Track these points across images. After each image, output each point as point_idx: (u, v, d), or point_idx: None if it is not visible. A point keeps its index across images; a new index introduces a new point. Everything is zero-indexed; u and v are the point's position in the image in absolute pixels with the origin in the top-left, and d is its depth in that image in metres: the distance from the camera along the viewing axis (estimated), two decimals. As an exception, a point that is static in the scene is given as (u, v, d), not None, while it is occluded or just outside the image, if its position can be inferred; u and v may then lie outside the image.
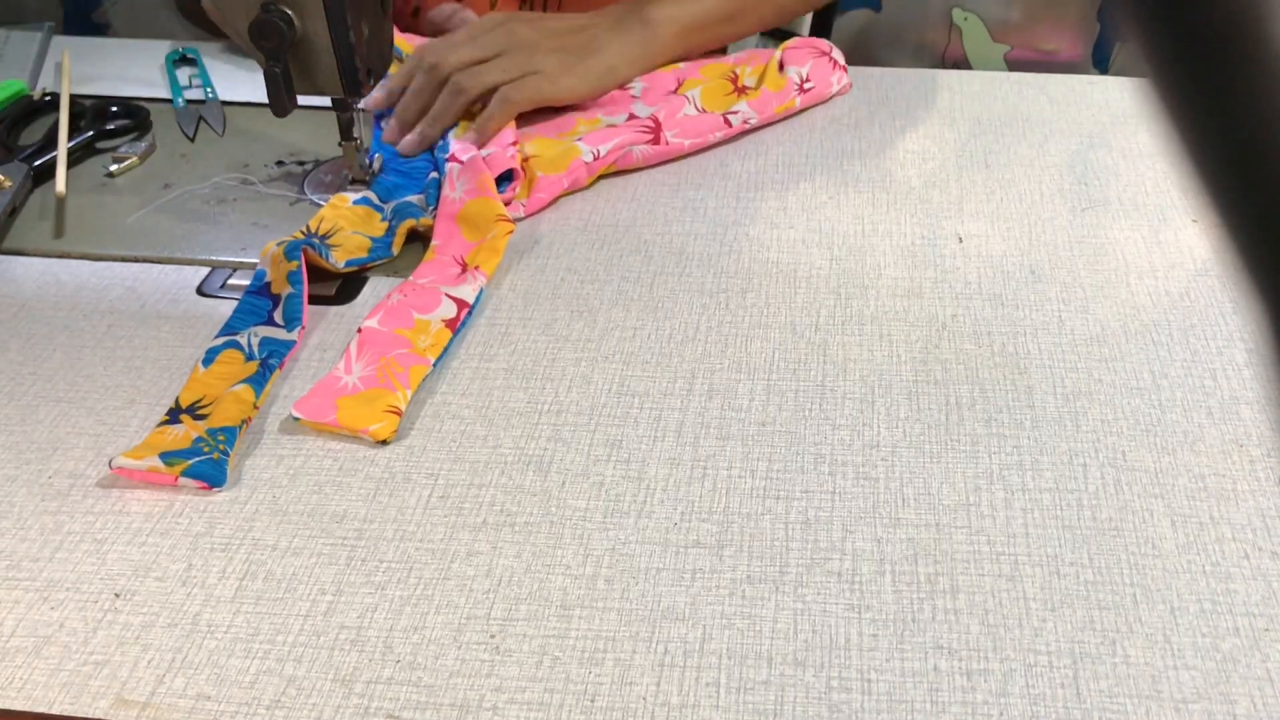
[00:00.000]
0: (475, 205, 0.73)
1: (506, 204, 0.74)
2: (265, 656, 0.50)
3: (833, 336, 0.66)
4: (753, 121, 0.83)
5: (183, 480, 0.57)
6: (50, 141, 0.81)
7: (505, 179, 0.76)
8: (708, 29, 0.87)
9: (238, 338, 0.65)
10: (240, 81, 0.89)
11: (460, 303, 0.67)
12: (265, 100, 0.71)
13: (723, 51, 0.93)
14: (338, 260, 0.70)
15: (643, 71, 0.86)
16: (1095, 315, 0.66)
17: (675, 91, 0.84)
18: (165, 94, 0.88)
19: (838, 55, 0.88)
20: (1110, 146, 0.80)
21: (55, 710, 0.48)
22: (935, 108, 0.85)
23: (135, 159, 0.81)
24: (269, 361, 0.64)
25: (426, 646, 0.50)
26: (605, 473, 0.58)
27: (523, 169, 0.77)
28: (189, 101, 0.87)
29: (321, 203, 0.76)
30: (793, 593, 0.52)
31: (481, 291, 0.69)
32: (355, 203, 0.74)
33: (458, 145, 0.78)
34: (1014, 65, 0.97)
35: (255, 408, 0.61)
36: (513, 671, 0.49)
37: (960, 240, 0.72)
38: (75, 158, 0.81)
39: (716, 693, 0.48)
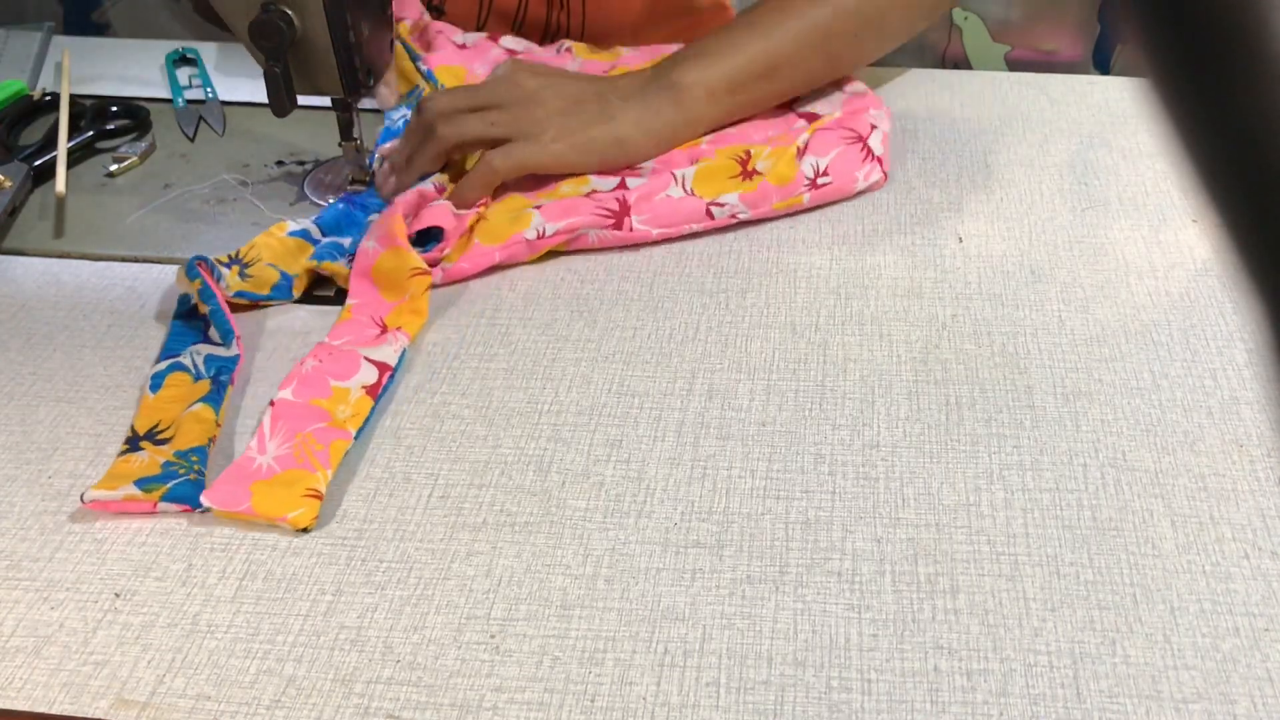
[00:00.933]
0: (388, 259, 0.67)
1: (433, 264, 0.69)
2: (265, 656, 0.50)
3: (833, 336, 0.66)
4: (742, 216, 0.73)
5: (163, 505, 0.56)
6: (50, 141, 0.81)
7: (435, 237, 0.70)
8: (745, 88, 0.76)
9: (180, 359, 0.63)
10: (240, 81, 0.89)
11: (381, 366, 0.62)
12: (265, 100, 0.71)
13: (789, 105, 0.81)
14: (229, 288, 0.67)
15: (665, 145, 0.75)
16: (1095, 315, 0.67)
17: (685, 167, 0.74)
18: (165, 94, 0.88)
19: (877, 143, 0.76)
20: (1110, 146, 0.80)
21: (55, 710, 0.48)
22: (935, 108, 0.85)
23: (135, 159, 0.81)
24: (219, 379, 0.62)
25: (426, 646, 0.50)
26: (605, 473, 0.58)
27: (469, 230, 0.71)
28: (189, 101, 0.87)
29: (321, 203, 0.76)
30: (793, 593, 0.52)
31: (404, 353, 0.64)
32: (291, 233, 0.70)
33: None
34: (1014, 65, 0.98)
35: (217, 425, 0.60)
36: (513, 671, 0.49)
37: (960, 240, 0.72)
38: (75, 158, 0.81)
39: (716, 693, 0.48)
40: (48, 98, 0.88)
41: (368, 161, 0.77)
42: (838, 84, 0.80)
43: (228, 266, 0.68)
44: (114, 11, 1.05)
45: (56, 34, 0.97)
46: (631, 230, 0.71)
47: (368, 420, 0.61)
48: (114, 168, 0.80)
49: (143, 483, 0.56)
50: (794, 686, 0.48)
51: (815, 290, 0.69)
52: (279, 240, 0.70)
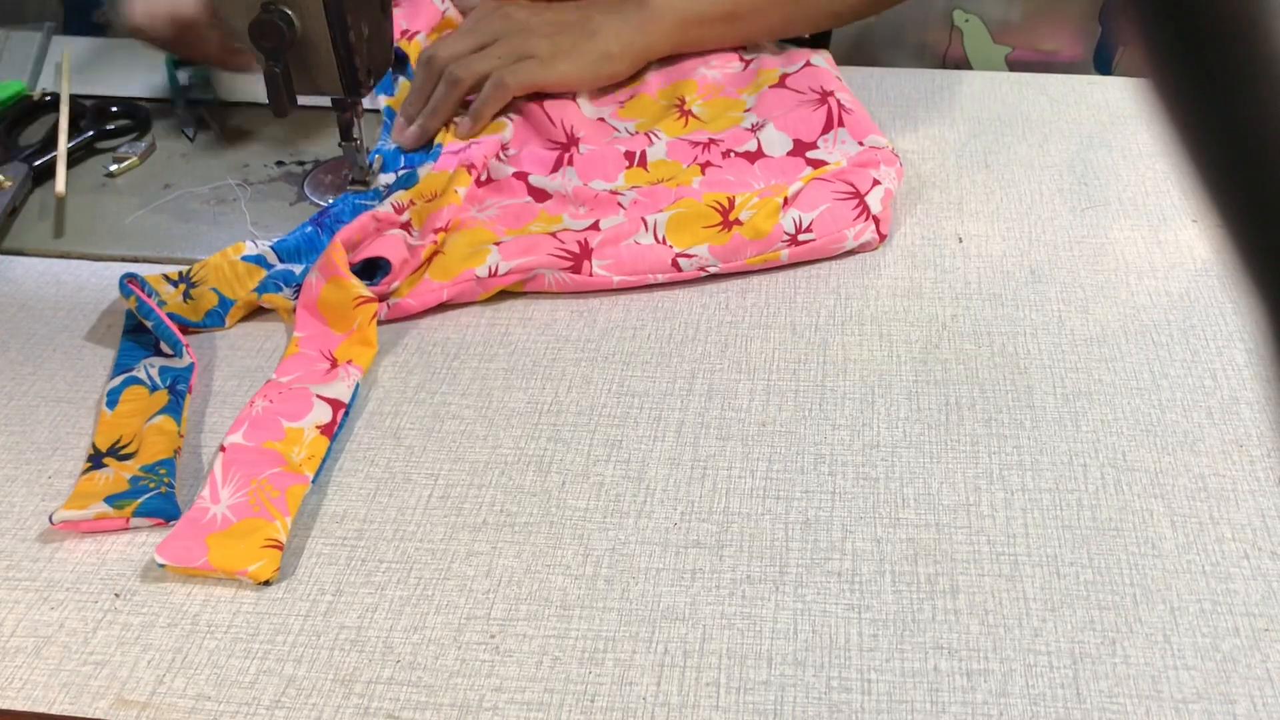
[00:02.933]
0: (330, 291, 0.65)
1: (382, 298, 0.66)
2: (265, 656, 0.50)
3: (833, 336, 0.66)
4: (712, 269, 0.69)
5: (135, 521, 0.55)
6: (50, 141, 0.81)
7: (382, 269, 0.67)
8: (707, 25, 0.83)
9: (134, 373, 0.62)
10: (240, 81, 0.89)
11: (335, 404, 0.60)
12: (265, 100, 0.71)
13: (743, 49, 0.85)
14: (165, 308, 0.66)
15: (639, 60, 0.82)
16: (1095, 315, 0.67)
17: (662, 210, 0.70)
18: (165, 94, 0.88)
19: (875, 200, 0.71)
20: (1110, 146, 0.80)
21: (55, 710, 0.48)
22: (935, 108, 0.85)
23: (135, 159, 0.81)
24: (177, 388, 0.61)
25: (426, 646, 0.50)
26: (605, 473, 0.58)
27: (424, 262, 0.69)
28: (189, 101, 0.87)
29: (321, 203, 0.76)
30: (793, 593, 0.52)
31: (357, 388, 0.62)
32: (245, 258, 0.68)
33: (451, 146, 0.76)
34: (1015, 67, 0.97)
35: (180, 436, 0.59)
36: (513, 671, 0.49)
37: (960, 240, 0.72)
38: (75, 158, 0.81)
39: (716, 693, 0.48)
40: (48, 98, 0.88)
41: (368, 160, 0.77)
42: (855, 134, 0.76)
43: (174, 284, 0.67)
44: (114, 11, 1.05)
45: (56, 34, 0.97)
46: (591, 275, 0.68)
47: (324, 461, 0.58)
48: (114, 168, 0.80)
49: (113, 499, 0.55)
50: (794, 686, 0.48)
51: (815, 290, 0.69)
52: (230, 264, 0.68)
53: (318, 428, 0.59)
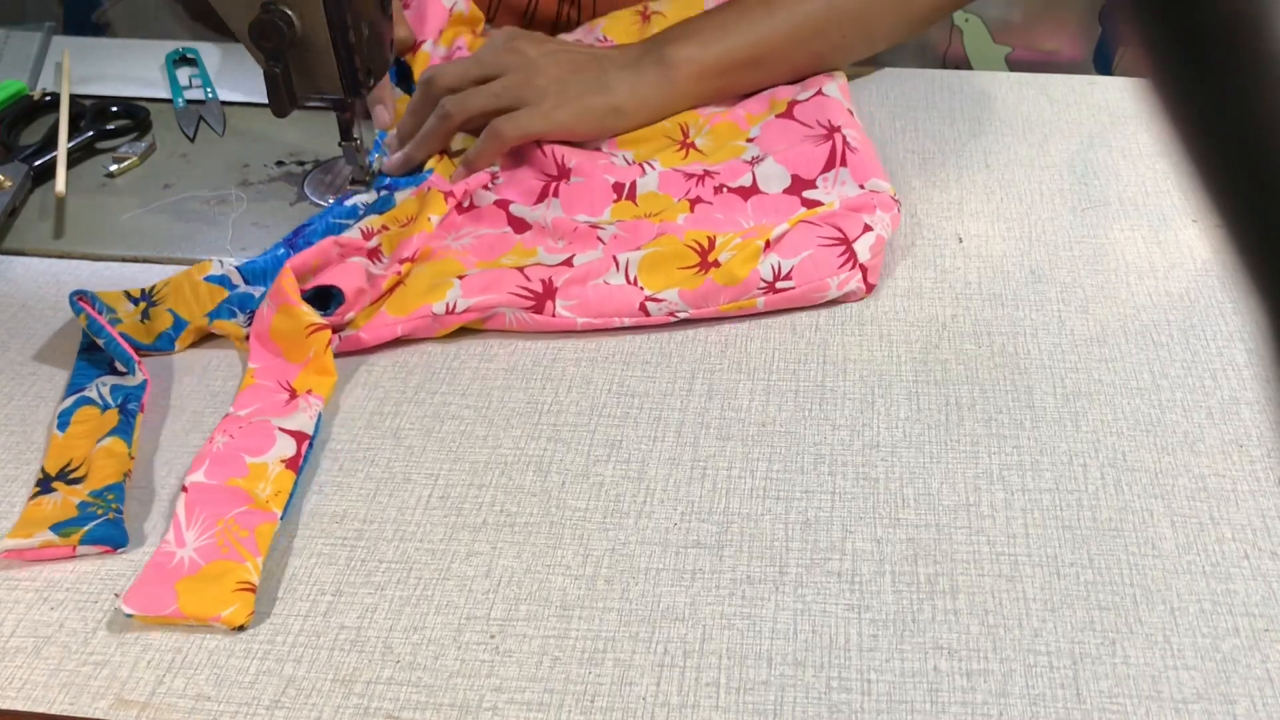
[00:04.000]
0: (280, 320, 0.62)
1: (336, 329, 0.64)
2: (265, 656, 0.50)
3: (833, 336, 0.66)
4: (682, 315, 0.66)
5: (82, 549, 0.54)
6: (50, 141, 0.81)
7: (336, 299, 0.65)
8: (731, 73, 0.78)
9: (86, 392, 0.61)
10: (240, 81, 0.89)
11: (298, 436, 0.58)
12: (265, 100, 0.71)
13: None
14: (121, 320, 0.65)
15: (655, 116, 0.77)
16: (1095, 315, 0.67)
17: (639, 247, 0.67)
18: (165, 94, 0.88)
19: (864, 248, 0.67)
20: (1110, 146, 0.80)
21: (55, 710, 0.48)
22: (935, 108, 0.85)
23: (135, 159, 0.81)
24: (128, 407, 0.60)
25: (426, 646, 0.50)
26: (605, 473, 0.58)
27: (384, 293, 0.66)
28: (189, 101, 0.87)
29: (322, 203, 0.76)
30: (793, 593, 0.52)
31: (320, 418, 0.60)
32: (209, 278, 0.66)
33: (437, 179, 0.73)
34: (1015, 67, 0.98)
35: (131, 458, 0.58)
36: (513, 671, 0.49)
37: (960, 240, 0.72)
38: (75, 158, 0.81)
39: (716, 693, 0.48)
40: (48, 98, 0.88)
41: (368, 161, 0.77)
42: (857, 175, 0.72)
43: (135, 302, 0.66)
44: (114, 11, 1.05)
45: (56, 34, 0.97)
46: (554, 316, 0.65)
47: (292, 496, 0.56)
48: (114, 168, 0.80)
49: (59, 527, 0.54)
50: (794, 686, 0.48)
51: (815, 290, 0.69)
52: (192, 284, 0.66)
53: (282, 462, 0.57)
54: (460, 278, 0.66)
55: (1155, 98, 0.22)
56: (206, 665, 0.50)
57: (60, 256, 0.74)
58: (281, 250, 0.69)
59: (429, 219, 0.69)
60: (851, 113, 0.77)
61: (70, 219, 0.76)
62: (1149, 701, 0.47)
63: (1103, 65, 0.96)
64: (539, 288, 0.65)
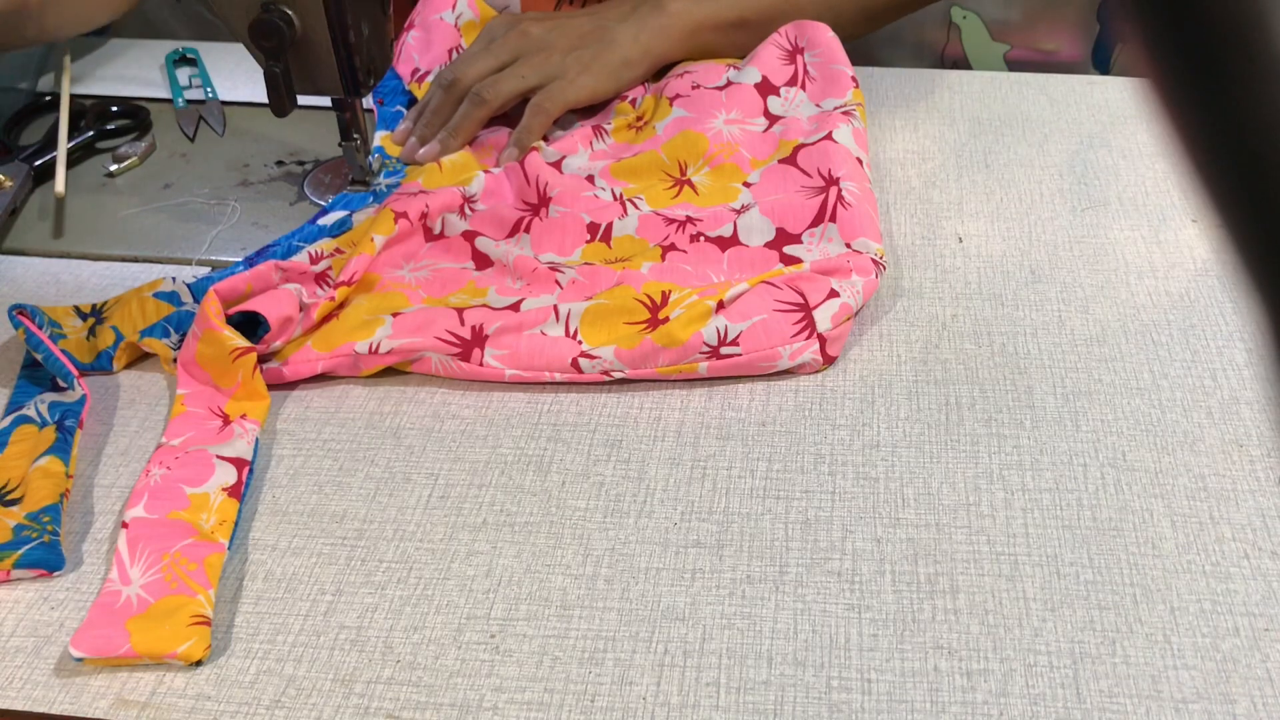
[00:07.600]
0: (204, 345, 0.61)
1: (263, 359, 0.62)
2: (265, 656, 0.50)
3: (833, 336, 0.66)
4: (617, 375, 0.62)
5: (16, 573, 0.53)
6: (50, 141, 0.81)
7: (264, 325, 0.62)
8: (720, 31, 0.82)
9: (24, 411, 0.60)
10: (240, 81, 0.89)
11: (238, 463, 0.57)
12: (265, 100, 0.71)
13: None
14: (66, 336, 0.64)
15: (656, 64, 0.81)
16: (1095, 315, 0.67)
17: (591, 298, 0.64)
18: (165, 94, 0.88)
19: (824, 316, 0.62)
20: (1110, 146, 0.80)
21: (55, 710, 0.48)
22: (935, 108, 0.85)
23: (135, 159, 0.81)
24: (65, 424, 0.59)
25: (426, 646, 0.50)
26: (605, 473, 0.58)
27: (315, 323, 0.64)
28: (189, 101, 0.87)
29: (321, 203, 0.76)
30: (793, 593, 0.52)
31: (257, 443, 0.59)
32: (158, 294, 0.65)
33: (408, 187, 0.72)
34: (1014, 65, 0.97)
35: (69, 477, 0.56)
36: (513, 671, 0.49)
37: (960, 240, 0.72)
38: (75, 158, 0.81)
39: (716, 693, 0.48)
40: (48, 98, 0.88)
41: (368, 161, 0.77)
42: (846, 233, 0.67)
43: (84, 317, 0.65)
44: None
45: (56, 34, 0.97)
46: (481, 365, 0.62)
47: (237, 524, 0.55)
48: (114, 168, 0.80)
49: None
50: (794, 686, 0.48)
51: (815, 290, 0.69)
52: (140, 300, 0.65)
53: (224, 490, 0.56)
54: (396, 315, 0.63)
55: (1154, 97, 0.22)
56: (206, 665, 0.50)
57: (60, 256, 0.74)
58: (240, 268, 0.68)
59: (371, 239, 0.66)
60: (861, 161, 0.72)
61: (70, 219, 0.76)
62: (1149, 701, 0.47)
63: (1101, 62, 0.96)
64: (468, 334, 0.62)
